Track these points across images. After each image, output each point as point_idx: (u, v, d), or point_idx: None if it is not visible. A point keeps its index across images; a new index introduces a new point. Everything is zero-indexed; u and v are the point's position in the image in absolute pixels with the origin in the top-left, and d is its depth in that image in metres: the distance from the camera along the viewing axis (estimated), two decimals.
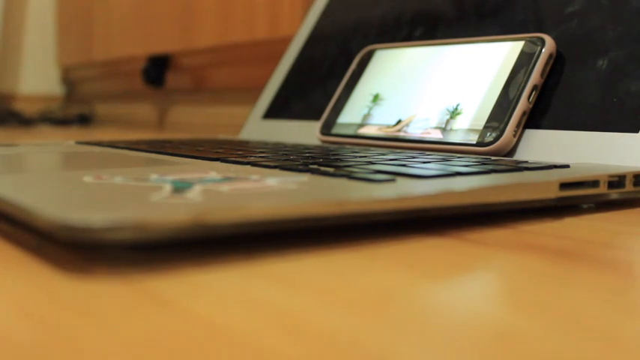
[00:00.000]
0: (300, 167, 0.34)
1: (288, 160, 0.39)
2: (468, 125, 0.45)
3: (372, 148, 0.48)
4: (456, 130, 0.46)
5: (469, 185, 0.29)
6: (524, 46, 0.46)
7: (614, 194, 0.35)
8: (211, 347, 0.16)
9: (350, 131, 0.53)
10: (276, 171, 0.34)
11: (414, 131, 0.48)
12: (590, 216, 0.33)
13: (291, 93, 0.65)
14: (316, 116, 0.60)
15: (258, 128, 0.66)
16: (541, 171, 0.35)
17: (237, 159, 0.39)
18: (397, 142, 0.49)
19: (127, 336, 0.16)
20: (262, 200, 0.25)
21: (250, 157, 0.40)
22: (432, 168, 0.34)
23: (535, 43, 0.45)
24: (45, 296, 0.20)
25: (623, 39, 0.43)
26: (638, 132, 0.39)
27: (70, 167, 0.38)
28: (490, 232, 0.29)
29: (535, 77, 0.44)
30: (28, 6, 1.89)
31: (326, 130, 0.55)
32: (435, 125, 0.47)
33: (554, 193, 0.32)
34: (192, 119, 1.36)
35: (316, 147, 0.50)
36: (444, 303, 0.19)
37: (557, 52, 0.45)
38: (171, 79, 1.40)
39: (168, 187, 0.28)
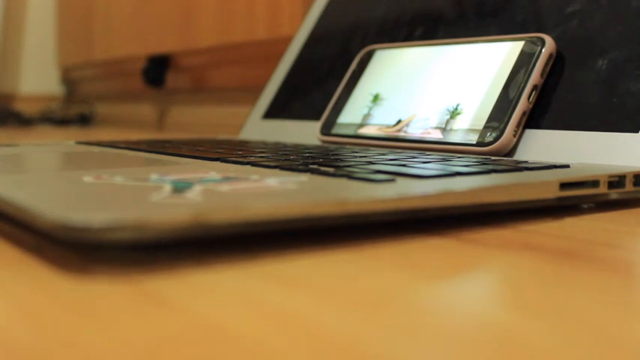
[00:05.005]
0: (300, 167, 0.34)
1: (288, 160, 0.39)
2: (468, 125, 0.45)
3: (372, 148, 0.48)
4: (456, 130, 0.46)
5: (469, 185, 0.29)
6: (524, 46, 0.46)
7: (614, 194, 0.35)
8: (211, 347, 0.16)
9: (350, 131, 0.53)
10: (276, 171, 0.34)
11: (414, 131, 0.48)
12: (590, 216, 0.33)
13: (291, 93, 0.65)
14: (316, 116, 0.60)
15: (258, 128, 0.66)
16: (541, 171, 0.35)
17: (237, 159, 0.39)
18: (397, 142, 0.49)
19: (127, 336, 0.16)
20: (262, 200, 0.25)
21: (250, 157, 0.40)
22: (432, 168, 0.34)
23: (535, 43, 0.45)
24: (45, 296, 0.20)
25: (623, 39, 0.43)
26: (638, 132, 0.39)
27: (70, 167, 0.38)
28: (490, 232, 0.29)
29: (535, 77, 0.44)
30: (28, 6, 1.89)
31: (326, 130, 0.55)
32: (435, 125, 0.47)
33: (554, 193, 0.32)
34: (192, 119, 1.36)
35: (316, 147, 0.50)
36: (443, 303, 0.19)
37: (557, 52, 0.45)
38: (171, 79, 1.40)
39: (168, 187, 0.28)
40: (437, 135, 0.47)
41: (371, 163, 0.37)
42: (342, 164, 0.36)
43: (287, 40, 0.96)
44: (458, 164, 0.36)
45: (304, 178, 0.31)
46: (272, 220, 0.24)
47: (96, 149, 0.50)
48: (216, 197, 0.25)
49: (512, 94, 0.44)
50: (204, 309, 0.18)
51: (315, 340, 0.16)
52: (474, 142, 0.44)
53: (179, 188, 0.28)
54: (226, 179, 0.31)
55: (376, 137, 0.50)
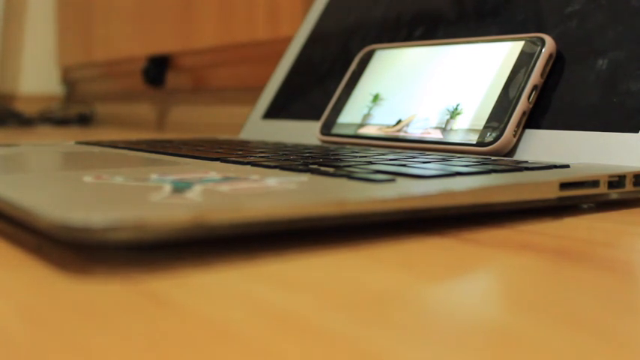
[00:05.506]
0: (300, 167, 0.34)
1: (288, 160, 0.39)
2: (468, 125, 0.45)
3: (372, 148, 0.48)
4: (456, 130, 0.46)
5: (469, 185, 0.29)
6: (524, 46, 0.46)
7: (614, 194, 0.35)
8: (211, 347, 0.16)
9: (350, 131, 0.53)
10: (276, 171, 0.34)
11: (414, 131, 0.48)
12: (590, 216, 0.33)
13: (291, 93, 0.65)
14: (316, 116, 0.60)
15: (258, 128, 0.66)
16: (541, 171, 0.35)
17: (237, 159, 0.39)
18: (397, 142, 0.49)
19: (126, 336, 0.16)
20: (262, 200, 0.25)
21: (250, 157, 0.40)
22: (432, 168, 0.34)
23: (535, 43, 0.45)
24: (45, 296, 0.20)
25: (623, 39, 0.43)
26: (638, 132, 0.39)
27: (70, 167, 0.38)
28: (490, 232, 0.29)
29: (535, 77, 0.44)
30: (28, 6, 1.89)
31: (326, 130, 0.55)
32: (435, 125, 0.47)
33: (554, 193, 0.32)
34: (192, 119, 1.36)
35: (316, 147, 0.50)
36: (443, 303, 0.19)
37: (557, 52, 0.45)
38: (171, 79, 1.40)
39: (168, 187, 0.28)
40: (437, 135, 0.47)
41: (371, 163, 0.37)
42: (342, 164, 0.36)
43: (287, 40, 0.96)
44: (458, 164, 0.36)
45: (304, 178, 0.31)
46: (272, 221, 0.24)
47: (96, 149, 0.50)
48: (216, 197, 0.25)
49: (512, 94, 0.44)
50: (204, 309, 0.18)
51: (314, 339, 0.16)
52: (474, 142, 0.44)
53: (179, 188, 0.28)
54: (226, 179, 0.31)
55: (376, 137, 0.50)
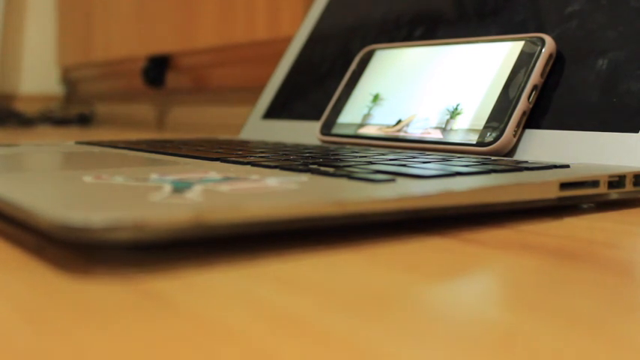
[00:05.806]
0: (300, 167, 0.34)
1: (288, 160, 0.39)
2: (468, 125, 0.45)
3: (372, 148, 0.48)
4: (456, 130, 0.46)
5: (469, 185, 0.29)
6: (524, 46, 0.46)
7: (614, 194, 0.35)
8: (211, 347, 0.16)
9: (350, 131, 0.53)
10: (276, 171, 0.34)
11: (414, 131, 0.48)
12: (590, 216, 0.33)
13: (291, 93, 0.65)
14: (316, 116, 0.60)
15: (258, 128, 0.66)
16: (541, 171, 0.35)
17: (237, 159, 0.39)
18: (397, 142, 0.49)
19: (127, 336, 0.16)
20: (262, 200, 0.25)
21: (250, 157, 0.40)
22: (432, 168, 0.34)
23: (535, 43, 0.45)
24: (45, 296, 0.20)
25: (623, 39, 0.43)
26: (638, 132, 0.39)
27: (70, 167, 0.38)
28: (490, 232, 0.29)
29: (535, 77, 0.44)
30: (28, 6, 1.89)
31: (326, 130, 0.55)
32: (435, 125, 0.47)
33: (554, 193, 0.32)
34: (192, 119, 1.36)
35: (316, 147, 0.50)
36: (443, 303, 0.19)
37: (557, 52, 0.45)
38: (172, 79, 1.40)
39: (168, 187, 0.28)
40: (437, 135, 0.47)
41: (371, 163, 0.37)
42: (342, 164, 0.36)
43: (287, 40, 0.96)
44: (458, 164, 0.36)
45: (304, 178, 0.31)
46: (272, 221, 0.24)
47: (96, 149, 0.50)
48: (216, 197, 0.25)
49: (512, 94, 0.44)
50: (204, 309, 0.18)
51: (315, 339, 0.16)
52: (474, 142, 0.44)
53: (179, 188, 0.28)
54: (226, 179, 0.31)
55: (376, 137, 0.50)
